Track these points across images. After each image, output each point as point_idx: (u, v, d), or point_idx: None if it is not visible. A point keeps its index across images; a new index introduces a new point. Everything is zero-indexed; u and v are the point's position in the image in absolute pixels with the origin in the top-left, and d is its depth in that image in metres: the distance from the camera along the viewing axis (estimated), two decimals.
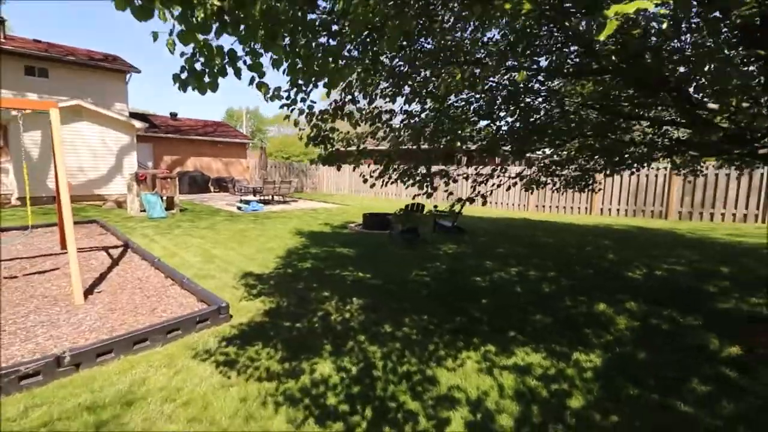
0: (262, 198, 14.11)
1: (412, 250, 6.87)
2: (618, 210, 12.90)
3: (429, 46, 3.77)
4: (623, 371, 2.71)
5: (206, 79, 1.81)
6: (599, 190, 6.88)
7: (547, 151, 5.64)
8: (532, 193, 14.48)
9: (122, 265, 5.52)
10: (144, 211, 10.32)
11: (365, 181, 3.92)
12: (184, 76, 1.79)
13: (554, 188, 5.91)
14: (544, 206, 14.40)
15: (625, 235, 8.72)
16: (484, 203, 4.24)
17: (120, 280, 4.88)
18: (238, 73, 1.88)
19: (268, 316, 3.78)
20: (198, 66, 1.76)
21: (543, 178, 5.74)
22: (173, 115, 20.75)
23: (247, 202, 12.58)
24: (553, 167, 5.73)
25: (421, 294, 4.50)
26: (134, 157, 14.39)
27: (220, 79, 1.87)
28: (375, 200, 17.31)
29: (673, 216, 11.85)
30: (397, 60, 3.73)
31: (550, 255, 6.48)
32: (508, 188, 5.54)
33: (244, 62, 1.86)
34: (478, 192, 4.18)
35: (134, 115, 16.64)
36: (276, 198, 14.74)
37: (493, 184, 4.84)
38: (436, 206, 6.09)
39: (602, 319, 3.71)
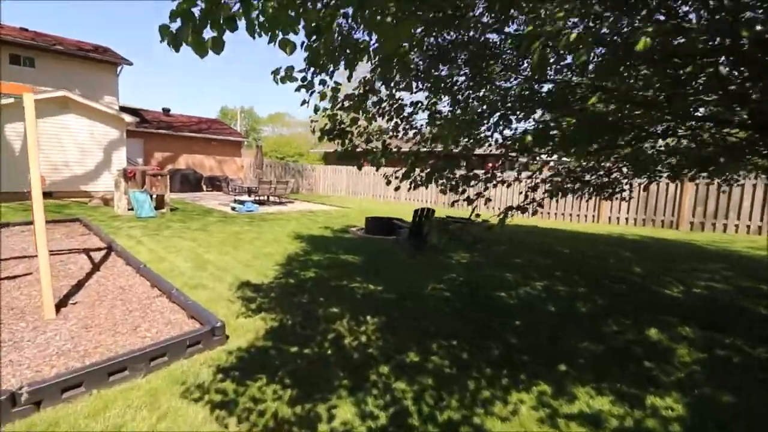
0: (257, 198, 13.50)
1: (421, 257, 6.35)
2: (627, 219, 12.51)
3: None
4: (713, 420, 2.22)
5: (207, 34, 1.28)
6: (628, 198, 6.41)
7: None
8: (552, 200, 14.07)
9: (104, 271, 4.92)
10: (132, 209, 9.67)
11: (388, 183, 3.40)
12: (176, 26, 1.25)
13: (577, 196, 5.44)
14: (549, 213, 13.99)
15: (642, 245, 8.30)
16: (534, 212, 3.73)
17: (100, 289, 4.29)
18: (251, 27, 1.35)
19: (271, 339, 3.23)
20: (197, 12, 1.22)
21: (569, 185, 5.27)
22: (166, 111, 20.04)
23: (242, 203, 11.97)
24: (580, 173, 5.27)
25: (443, 311, 3.98)
26: (123, 153, 13.70)
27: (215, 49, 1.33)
28: (374, 203, 16.78)
29: (685, 226, 11.48)
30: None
31: (572, 267, 6.01)
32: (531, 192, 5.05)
33: (261, 11, 1.33)
34: (532, 199, 3.65)
35: (125, 110, 15.93)
36: (272, 199, 14.14)
37: (525, 192, 4.34)
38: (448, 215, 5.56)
39: (659, 348, 3.23)
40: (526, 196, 3.94)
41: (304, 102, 2.67)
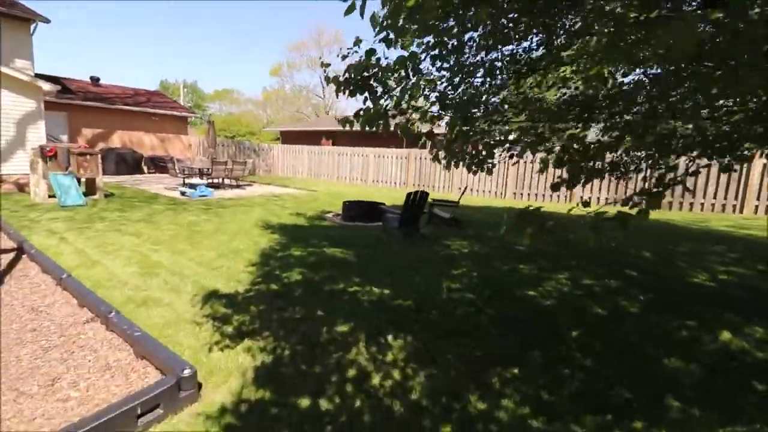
0: (210, 181, 11.92)
1: (417, 248, 5.52)
2: (598, 199, 12.46)
3: None
4: None
5: None
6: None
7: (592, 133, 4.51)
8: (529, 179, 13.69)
9: (9, 285, 3.60)
10: (54, 196, 7.93)
11: (437, 160, 2.45)
12: None
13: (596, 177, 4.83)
14: (522, 194, 13.71)
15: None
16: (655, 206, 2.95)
17: (1, 312, 3.02)
18: None
19: (267, 385, 2.24)
20: None
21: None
22: (94, 80, 17.32)
23: (193, 186, 10.43)
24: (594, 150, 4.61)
25: (478, 323, 3.17)
26: (42, 128, 11.48)
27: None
28: (340, 185, 15.67)
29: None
30: None
31: (582, 254, 5.45)
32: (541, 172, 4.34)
33: None
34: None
35: (42, 78, 13.40)
36: (227, 181, 12.60)
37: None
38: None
39: (755, 360, 2.64)
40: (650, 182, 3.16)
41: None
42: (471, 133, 2.30)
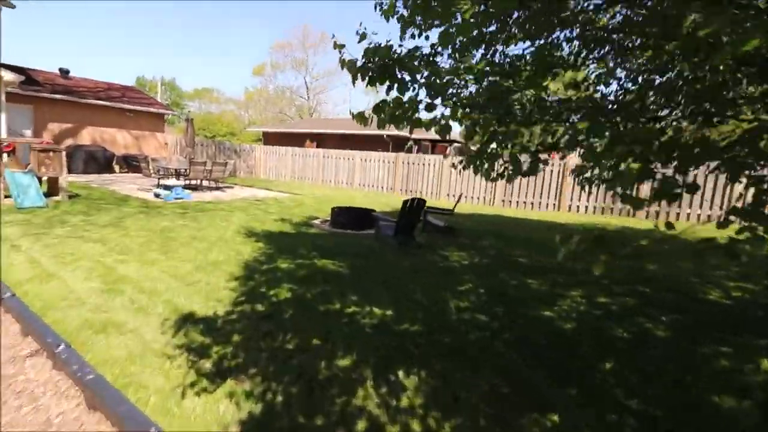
0: (188, 183, 11.22)
1: (414, 258, 5.11)
2: (587, 207, 12.38)
3: None
4: None
5: None
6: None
7: None
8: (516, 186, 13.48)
9: None
10: (10, 196, 7.16)
11: (461, 166, 2.06)
12: None
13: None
14: (510, 201, 13.52)
15: (617, 236, 7.85)
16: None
17: None
18: None
19: None
20: None
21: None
22: (64, 72, 16.28)
23: (169, 188, 9.75)
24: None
25: (498, 352, 2.78)
26: (2, 121, 10.61)
27: None
28: (326, 189, 15.15)
29: (641, 214, 11.57)
30: None
31: (586, 266, 5.18)
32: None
33: None
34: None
35: (5, 66, 12.43)
36: (206, 183, 11.92)
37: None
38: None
39: None
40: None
41: None
42: (507, 133, 1.91)
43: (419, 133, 26.85)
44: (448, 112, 1.86)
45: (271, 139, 26.83)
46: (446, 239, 6.55)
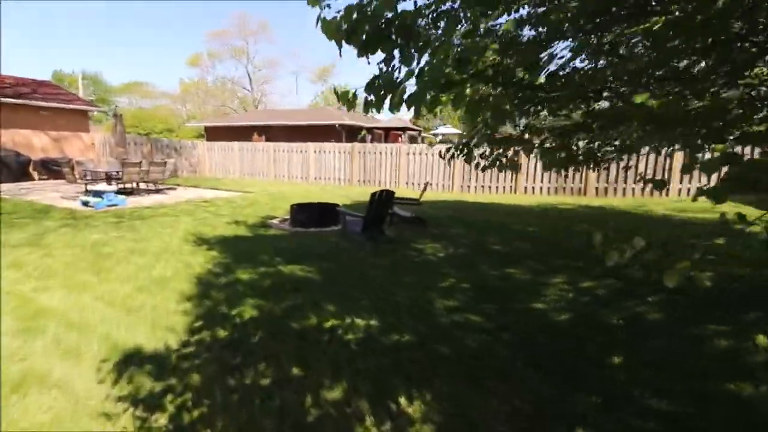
0: (122, 187, 10.03)
1: (387, 254, 4.77)
2: (541, 188, 12.70)
3: None
4: None
5: None
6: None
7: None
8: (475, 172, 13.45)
9: None
10: None
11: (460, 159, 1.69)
12: None
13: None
14: (469, 186, 13.57)
15: (588, 216, 8.04)
16: None
17: None
18: None
19: None
20: None
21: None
22: None
23: (99, 194, 8.61)
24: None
25: (500, 354, 2.50)
26: None
27: None
28: (279, 184, 14.36)
29: (591, 192, 12.05)
30: None
31: (560, 250, 5.11)
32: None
33: None
34: None
35: None
36: (144, 186, 10.75)
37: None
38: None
39: None
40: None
41: None
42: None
43: (372, 122, 26.37)
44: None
45: (214, 134, 25.17)
46: (416, 230, 6.27)
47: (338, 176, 14.87)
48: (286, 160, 15.58)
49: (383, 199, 5.36)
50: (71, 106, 15.23)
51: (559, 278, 4.01)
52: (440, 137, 33.68)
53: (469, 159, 2.25)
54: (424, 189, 6.94)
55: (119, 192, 9.34)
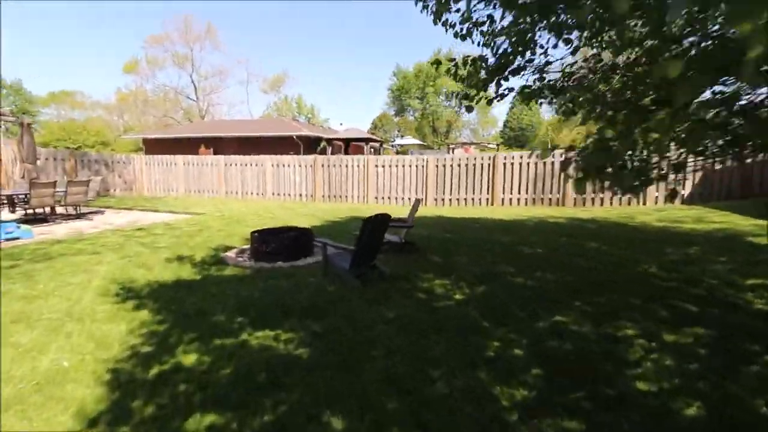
0: (30, 214, 8.00)
1: (386, 301, 3.57)
2: (519, 199, 12.10)
3: None
4: None
5: None
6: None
7: None
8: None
9: None
10: None
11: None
12: None
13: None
14: (443, 199, 12.74)
15: (586, 231, 7.32)
16: None
17: None
18: None
19: None
20: None
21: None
22: None
23: None
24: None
25: None
26: None
27: None
28: (235, 202, 12.66)
29: (569, 202, 11.60)
30: None
31: (589, 278, 4.18)
32: None
33: None
34: None
35: None
36: (63, 211, 8.74)
37: None
38: None
39: None
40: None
41: None
42: None
43: (331, 133, 25.08)
44: None
45: (154, 147, 22.72)
46: (410, 259, 5.12)
47: (299, 192, 13.44)
48: (239, 175, 13.92)
49: (377, 225, 4.17)
50: None
51: (629, 329, 3.01)
52: (396, 148, 33.07)
53: (618, 179, 1.25)
54: (415, 208, 5.81)
55: (24, 220, 7.38)
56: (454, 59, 3.32)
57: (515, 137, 44.03)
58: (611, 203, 11.28)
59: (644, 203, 11.14)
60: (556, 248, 5.70)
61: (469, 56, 3.16)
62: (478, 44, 3.09)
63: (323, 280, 4.26)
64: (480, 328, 3.07)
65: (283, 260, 5.03)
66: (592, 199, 11.48)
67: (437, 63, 3.31)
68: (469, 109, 3.08)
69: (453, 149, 26.23)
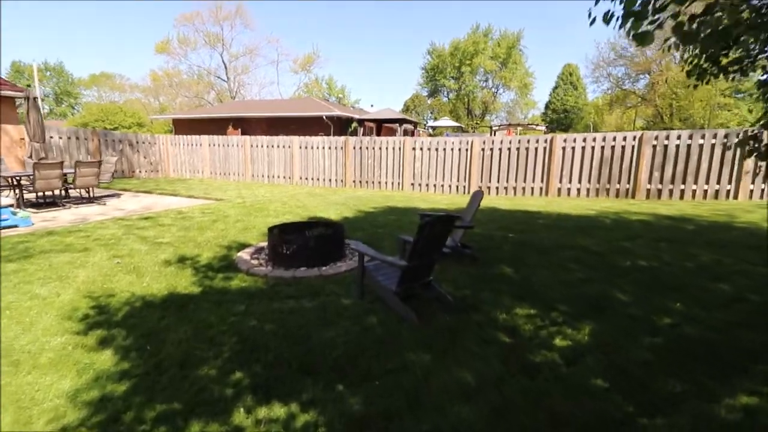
0: (40, 198, 7.29)
1: (448, 341, 2.37)
2: (579, 189, 10.46)
3: None
4: None
5: None
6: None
7: None
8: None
9: None
10: None
11: None
12: None
13: None
14: (489, 187, 11.26)
15: (681, 233, 5.78)
16: None
17: None
18: None
19: None
20: None
21: None
22: None
23: None
24: None
25: None
26: None
27: None
28: (259, 187, 11.73)
29: (642, 194, 9.86)
30: None
31: (738, 313, 2.80)
32: None
33: None
34: None
35: None
36: (76, 193, 8.04)
37: None
38: None
39: None
40: None
41: None
42: None
43: (362, 114, 23.78)
44: None
45: (183, 127, 22.27)
46: (471, 270, 3.87)
47: (329, 177, 12.34)
48: (266, 157, 12.96)
49: (437, 232, 2.93)
50: None
51: None
52: (429, 131, 31.21)
53: None
54: (477, 201, 4.49)
55: (34, 204, 6.65)
56: None
57: (558, 120, 41.12)
58: (693, 196, 9.49)
59: (735, 197, 9.30)
60: (666, 261, 4.27)
61: None
62: None
63: (360, 303, 3.10)
64: (625, 420, 1.81)
65: (307, 265, 3.92)
66: (670, 191, 9.69)
67: None
68: (641, 41, 1.79)
69: (495, 131, 24.34)
